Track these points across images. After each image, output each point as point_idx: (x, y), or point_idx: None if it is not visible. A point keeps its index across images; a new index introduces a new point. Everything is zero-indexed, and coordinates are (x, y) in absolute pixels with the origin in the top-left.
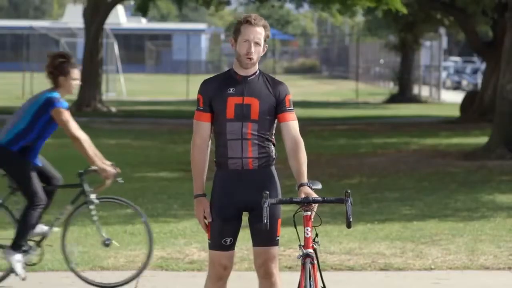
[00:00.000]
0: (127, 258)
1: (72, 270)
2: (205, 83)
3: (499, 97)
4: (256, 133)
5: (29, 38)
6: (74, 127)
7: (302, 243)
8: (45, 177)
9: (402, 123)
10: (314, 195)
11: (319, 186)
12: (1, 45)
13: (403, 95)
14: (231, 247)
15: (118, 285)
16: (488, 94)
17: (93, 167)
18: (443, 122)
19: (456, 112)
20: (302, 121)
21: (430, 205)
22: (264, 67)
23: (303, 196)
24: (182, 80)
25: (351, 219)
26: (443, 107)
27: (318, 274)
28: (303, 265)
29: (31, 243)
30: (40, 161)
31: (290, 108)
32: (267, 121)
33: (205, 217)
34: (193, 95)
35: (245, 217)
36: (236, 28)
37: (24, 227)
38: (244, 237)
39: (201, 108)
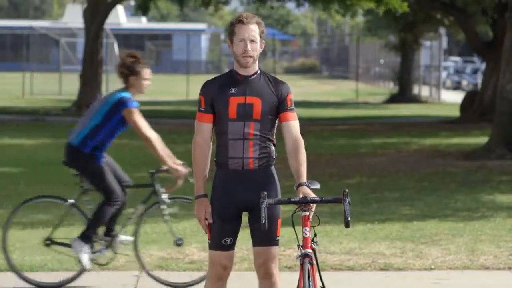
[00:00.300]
0: (127, 258)
1: (144, 270)
2: (206, 84)
3: (499, 97)
4: (258, 133)
5: (29, 38)
6: (146, 127)
7: (301, 243)
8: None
9: (402, 123)
10: (312, 195)
11: (317, 186)
12: (1, 45)
13: (403, 95)
14: (231, 247)
15: (190, 285)
16: (488, 94)
17: (164, 167)
18: (443, 122)
19: (456, 112)
20: (302, 121)
21: (430, 205)
22: (264, 67)
23: (301, 196)
24: (182, 80)
25: (349, 219)
26: (443, 107)
27: (317, 274)
28: (302, 265)
29: (102, 243)
30: (109, 163)
31: (291, 108)
32: (269, 121)
33: (206, 218)
34: (193, 95)
35: (245, 217)
36: (230, 30)
37: (96, 220)
38: (244, 237)
39: (203, 109)
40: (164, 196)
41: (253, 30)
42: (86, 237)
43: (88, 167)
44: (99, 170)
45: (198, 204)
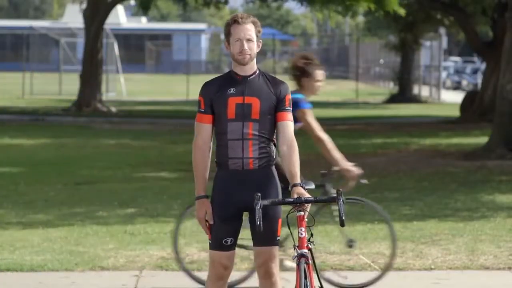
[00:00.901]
0: (127, 258)
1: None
2: (206, 85)
3: (499, 97)
4: (257, 133)
5: (29, 38)
6: (318, 128)
7: (297, 244)
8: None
9: (402, 123)
10: (307, 195)
11: (312, 186)
12: (1, 45)
13: (403, 95)
14: (232, 247)
15: (363, 286)
16: (488, 94)
17: (336, 168)
18: (443, 122)
19: (456, 112)
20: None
21: (430, 205)
22: (264, 67)
23: (295, 196)
24: (182, 80)
25: (344, 218)
26: (443, 107)
27: (314, 274)
28: (298, 265)
29: None
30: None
31: (288, 108)
32: (268, 121)
33: (206, 220)
34: (193, 95)
35: (245, 217)
36: (227, 31)
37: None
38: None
39: (203, 110)
40: None
41: (249, 29)
42: None
43: None
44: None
45: (198, 205)
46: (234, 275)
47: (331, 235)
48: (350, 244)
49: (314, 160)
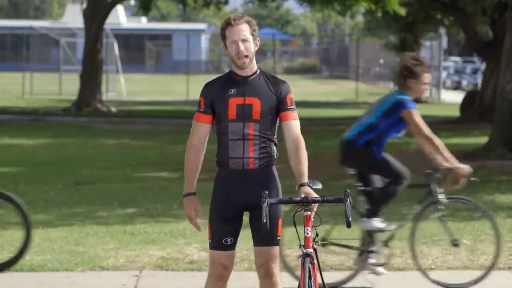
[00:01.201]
0: (127, 258)
1: (421, 270)
2: (207, 86)
3: (499, 97)
4: (258, 133)
5: (29, 38)
6: (426, 127)
7: (302, 243)
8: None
9: None
10: (314, 195)
11: (319, 186)
12: (1, 45)
13: None
14: (232, 247)
15: (468, 285)
16: (488, 94)
17: (442, 167)
18: (443, 122)
19: (456, 112)
20: (302, 121)
21: None
22: (264, 67)
23: (302, 196)
24: (182, 80)
25: (350, 219)
26: (443, 107)
27: (318, 273)
28: (303, 264)
29: (378, 244)
30: (387, 158)
31: (291, 107)
32: (269, 121)
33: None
34: (193, 95)
35: (245, 217)
36: (222, 34)
37: (382, 196)
38: (244, 237)
39: (202, 110)
40: (441, 196)
41: (244, 30)
42: (372, 214)
43: (365, 158)
44: (377, 160)
45: (187, 202)
46: (338, 276)
47: (331, 235)
48: (454, 243)
49: (314, 160)
